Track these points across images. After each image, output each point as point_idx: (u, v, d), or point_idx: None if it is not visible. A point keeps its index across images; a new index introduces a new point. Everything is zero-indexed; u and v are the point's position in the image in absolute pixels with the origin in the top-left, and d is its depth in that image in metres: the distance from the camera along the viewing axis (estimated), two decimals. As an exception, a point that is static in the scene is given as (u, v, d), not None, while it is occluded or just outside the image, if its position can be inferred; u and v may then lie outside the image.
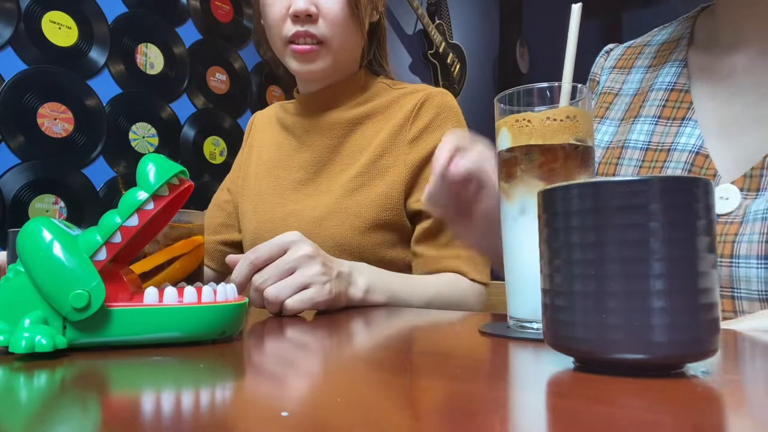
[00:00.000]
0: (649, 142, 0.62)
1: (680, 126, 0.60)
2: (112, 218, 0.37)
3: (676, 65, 0.64)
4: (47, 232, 0.36)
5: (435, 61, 2.94)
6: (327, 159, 0.87)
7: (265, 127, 0.99)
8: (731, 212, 0.53)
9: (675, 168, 0.58)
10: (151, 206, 0.38)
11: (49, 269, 0.35)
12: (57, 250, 0.36)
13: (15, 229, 0.60)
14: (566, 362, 0.30)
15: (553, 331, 0.29)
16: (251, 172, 0.96)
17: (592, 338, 0.27)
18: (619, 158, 0.63)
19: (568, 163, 0.40)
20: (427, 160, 0.82)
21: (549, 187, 0.29)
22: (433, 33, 2.87)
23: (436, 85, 2.94)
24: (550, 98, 0.42)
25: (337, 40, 0.81)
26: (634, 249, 0.26)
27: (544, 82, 0.43)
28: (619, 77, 0.71)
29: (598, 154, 0.67)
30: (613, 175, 0.63)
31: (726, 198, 0.54)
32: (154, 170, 0.38)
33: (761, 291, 0.49)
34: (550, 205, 0.29)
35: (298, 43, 0.80)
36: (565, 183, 0.28)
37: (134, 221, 0.37)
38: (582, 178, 0.40)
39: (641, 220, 0.26)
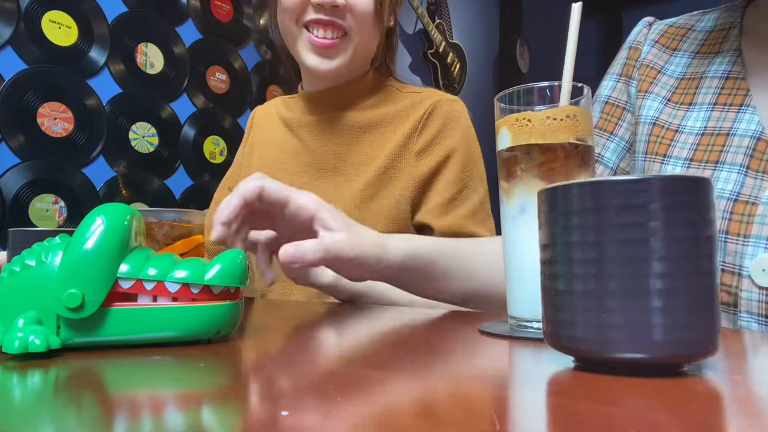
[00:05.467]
0: (705, 127, 0.60)
1: (738, 112, 0.59)
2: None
3: (730, 54, 0.63)
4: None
5: (435, 61, 2.94)
6: (332, 166, 0.84)
7: (267, 124, 0.97)
8: None
9: (736, 153, 0.56)
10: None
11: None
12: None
13: (15, 228, 0.60)
14: (566, 362, 0.30)
15: (553, 330, 0.29)
16: (252, 172, 0.95)
17: (592, 338, 0.27)
18: (672, 140, 0.62)
19: (568, 162, 0.40)
20: (433, 172, 0.81)
21: (549, 186, 0.29)
22: (433, 32, 2.87)
23: (436, 84, 2.94)
24: (550, 97, 0.42)
25: (359, 36, 0.79)
26: (635, 248, 0.26)
27: (544, 82, 0.43)
28: (662, 54, 0.69)
29: (644, 130, 0.65)
30: (665, 154, 0.62)
31: None
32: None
33: None
34: (550, 204, 0.29)
35: (317, 36, 0.78)
36: (565, 182, 0.28)
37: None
38: (582, 178, 0.40)
39: (641, 220, 0.26)
